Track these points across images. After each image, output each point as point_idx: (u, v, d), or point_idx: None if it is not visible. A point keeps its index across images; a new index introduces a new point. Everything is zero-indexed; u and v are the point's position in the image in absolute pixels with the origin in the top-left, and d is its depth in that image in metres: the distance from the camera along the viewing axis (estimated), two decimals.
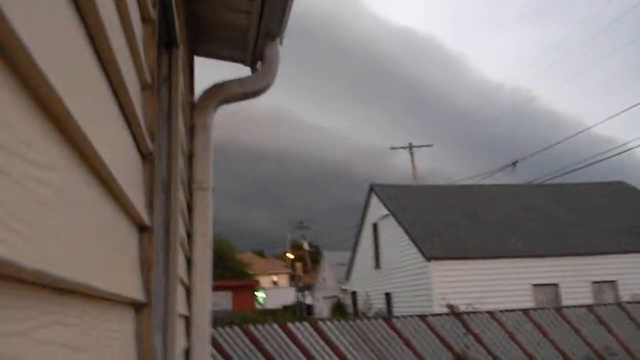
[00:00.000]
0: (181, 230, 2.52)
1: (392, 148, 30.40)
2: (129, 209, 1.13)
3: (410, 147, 29.76)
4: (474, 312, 10.14)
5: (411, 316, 9.97)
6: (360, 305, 22.26)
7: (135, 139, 1.27)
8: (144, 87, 1.42)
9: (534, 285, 17.07)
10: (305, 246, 47.89)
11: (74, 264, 0.68)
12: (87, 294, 0.78)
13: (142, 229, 1.39)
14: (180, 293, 2.43)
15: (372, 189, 21.79)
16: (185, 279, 3.00)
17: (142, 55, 1.33)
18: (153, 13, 1.48)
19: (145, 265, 1.35)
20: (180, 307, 2.43)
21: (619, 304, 10.77)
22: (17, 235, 0.47)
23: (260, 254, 71.99)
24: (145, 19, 1.42)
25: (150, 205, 1.44)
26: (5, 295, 0.49)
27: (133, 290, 1.14)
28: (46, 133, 0.60)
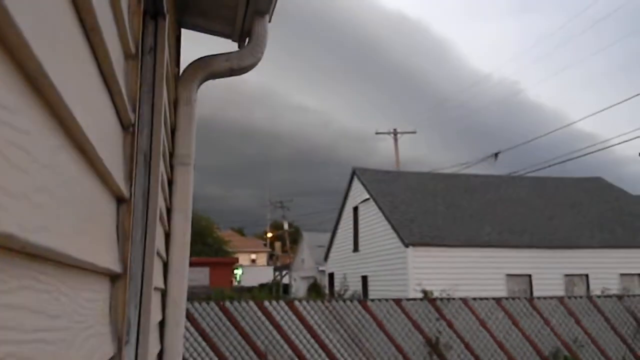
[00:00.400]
0: (161, 204, 2.50)
1: (377, 133, 30.48)
2: (107, 179, 1.12)
3: (395, 133, 29.86)
4: (447, 299, 10.31)
5: (386, 299, 10.10)
6: (337, 287, 22.48)
7: (116, 108, 1.25)
8: (128, 56, 1.40)
9: (508, 275, 17.41)
10: (285, 226, 48.00)
11: (47, 230, 0.67)
12: (60, 262, 0.78)
13: (121, 200, 1.38)
14: (157, 266, 2.42)
15: (354, 172, 21.86)
16: (163, 253, 2.99)
17: (127, 23, 1.30)
18: None
19: (123, 237, 1.35)
20: (157, 280, 2.43)
21: (589, 297, 11.04)
22: None
23: (240, 232, 72.07)
24: None
25: (129, 178, 1.42)
26: None
27: (108, 260, 1.13)
28: (23, 96, 0.59)
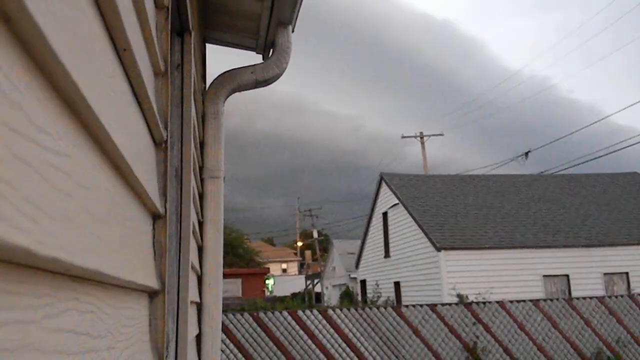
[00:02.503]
0: (193, 218, 2.53)
1: (404, 137, 30.26)
2: (143, 197, 1.13)
3: (421, 136, 29.61)
4: (483, 302, 10.12)
5: (420, 305, 9.98)
6: (370, 294, 22.33)
7: (149, 126, 1.26)
8: (157, 73, 1.41)
9: (545, 276, 17.00)
10: (315, 235, 48.00)
11: (90, 251, 0.68)
12: (102, 282, 0.78)
13: (156, 216, 1.39)
14: (192, 280, 2.44)
15: (382, 178, 21.74)
16: (197, 266, 3.02)
17: (156, 42, 1.32)
18: None
19: (159, 253, 1.36)
20: (192, 294, 2.44)
21: (631, 296, 10.69)
22: (35, 223, 0.47)
23: (270, 242, 72.34)
24: (158, 6, 1.41)
25: (163, 193, 1.44)
26: (20, 283, 0.49)
27: (147, 277, 1.14)
28: (61, 118, 0.59)
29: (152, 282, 1.22)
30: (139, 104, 1.11)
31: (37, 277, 0.52)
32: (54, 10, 0.52)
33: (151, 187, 1.21)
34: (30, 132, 0.48)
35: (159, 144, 1.44)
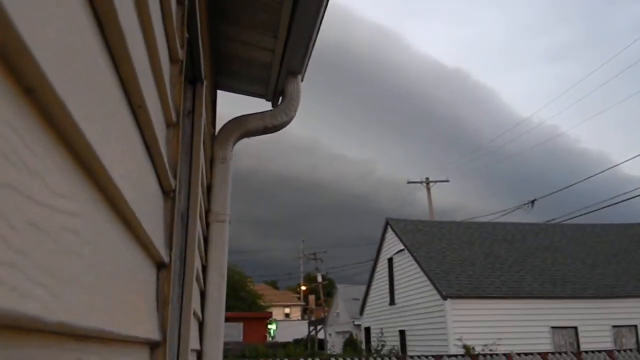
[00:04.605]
0: (197, 264, 2.51)
1: (409, 182, 30.30)
2: (149, 247, 1.13)
3: (427, 182, 29.64)
4: (490, 354, 9.87)
5: (426, 356, 9.74)
6: (374, 342, 21.83)
7: (158, 176, 1.28)
8: (169, 124, 1.44)
9: (553, 327, 16.60)
10: (319, 279, 47.43)
11: (94, 310, 0.68)
12: (106, 338, 0.78)
13: (161, 265, 1.39)
14: (193, 328, 2.41)
15: (387, 223, 21.63)
16: (199, 313, 2.98)
17: (169, 94, 1.35)
18: (181, 53, 1.52)
19: (162, 303, 1.35)
20: (193, 343, 2.40)
21: None
22: (44, 289, 0.47)
23: (274, 285, 71.47)
24: (173, 60, 1.46)
25: (169, 243, 1.44)
26: (25, 347, 0.49)
27: (150, 329, 1.13)
28: (76, 180, 0.61)
29: (154, 334, 1.20)
30: (150, 156, 1.13)
31: (42, 339, 0.52)
32: (75, 80, 0.54)
33: (157, 238, 1.21)
34: (45, 197, 0.49)
35: (167, 192, 1.45)
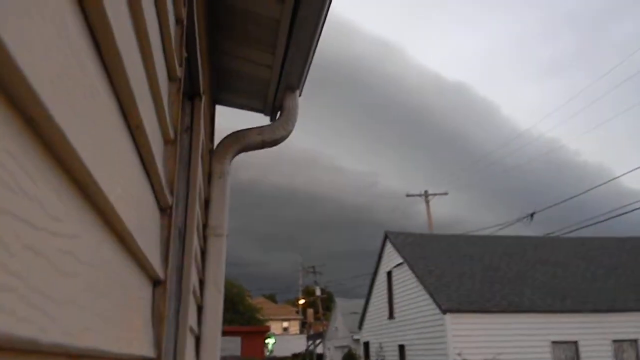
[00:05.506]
0: (194, 279, 2.52)
1: (408, 195, 30.29)
2: (145, 265, 1.14)
3: (426, 194, 29.64)
4: None
5: None
6: (373, 356, 21.68)
7: (155, 194, 1.30)
8: (167, 142, 1.46)
9: (553, 342, 16.51)
10: (318, 292, 47.18)
11: (89, 330, 0.69)
12: (100, 357, 0.79)
13: (157, 282, 1.40)
14: (189, 344, 2.41)
15: (386, 236, 21.59)
16: (195, 328, 2.97)
17: (167, 112, 1.37)
18: (179, 71, 1.54)
19: (157, 320, 1.35)
20: (189, 358, 2.40)
21: None
22: (41, 311, 0.49)
23: (272, 298, 71.11)
24: (172, 78, 1.48)
25: (165, 259, 1.45)
26: None
27: (144, 347, 1.14)
28: (72, 203, 0.62)
29: (149, 351, 1.21)
30: (147, 174, 1.15)
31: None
32: (74, 107, 0.56)
33: (153, 255, 1.23)
34: (42, 221, 0.51)
35: (164, 209, 1.46)
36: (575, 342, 16.60)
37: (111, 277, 0.84)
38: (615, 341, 16.74)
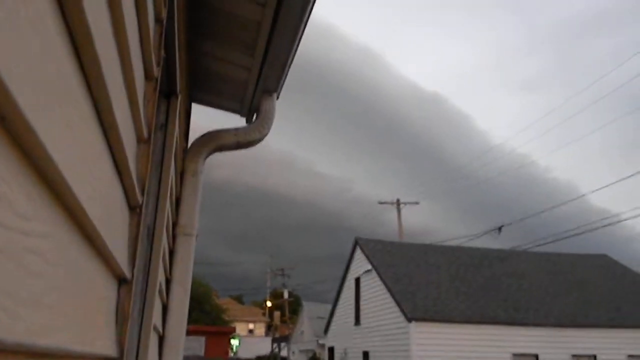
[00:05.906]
0: (160, 278, 2.50)
1: (380, 202, 30.51)
2: (111, 264, 1.14)
3: (398, 203, 29.89)
4: None
5: None
6: None
7: (125, 192, 1.29)
8: (140, 141, 1.45)
9: (514, 354, 16.82)
10: (285, 295, 47.02)
11: (54, 329, 0.69)
12: (63, 357, 0.78)
13: (122, 280, 1.39)
14: (152, 342, 2.38)
15: (356, 242, 21.68)
16: (160, 327, 2.94)
17: (142, 111, 1.37)
18: (156, 71, 1.54)
19: (121, 319, 1.35)
20: (152, 357, 2.38)
21: None
22: (6, 312, 0.49)
23: (239, 299, 70.59)
24: (148, 77, 1.47)
25: (132, 258, 1.44)
26: None
27: (107, 346, 1.13)
28: (41, 202, 0.62)
29: (112, 350, 1.20)
30: (119, 173, 1.14)
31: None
32: (47, 106, 0.56)
33: (120, 254, 1.22)
34: (10, 220, 0.51)
35: (133, 208, 1.46)
36: (536, 355, 16.95)
37: (77, 276, 0.84)
38: (574, 356, 17.15)
